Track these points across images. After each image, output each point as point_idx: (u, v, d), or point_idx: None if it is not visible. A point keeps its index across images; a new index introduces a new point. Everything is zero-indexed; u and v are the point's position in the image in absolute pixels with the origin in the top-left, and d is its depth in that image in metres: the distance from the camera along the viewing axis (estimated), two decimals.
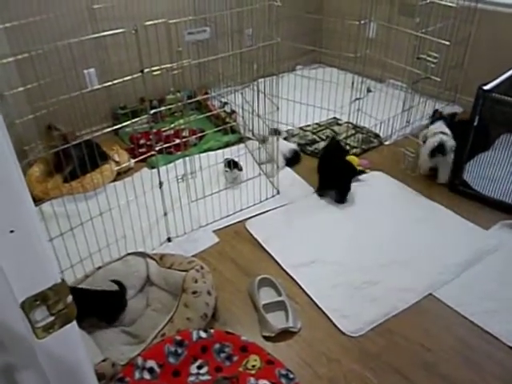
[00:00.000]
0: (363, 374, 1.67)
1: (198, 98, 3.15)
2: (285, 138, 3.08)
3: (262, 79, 2.52)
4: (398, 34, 3.18)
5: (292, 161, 2.94)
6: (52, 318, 0.52)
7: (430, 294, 1.99)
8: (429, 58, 2.65)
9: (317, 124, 3.37)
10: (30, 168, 2.72)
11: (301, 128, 3.31)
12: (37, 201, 2.44)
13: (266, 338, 1.82)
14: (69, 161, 2.29)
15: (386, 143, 3.17)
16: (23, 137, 2.67)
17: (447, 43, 2.63)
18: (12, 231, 0.46)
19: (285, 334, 1.83)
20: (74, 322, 0.57)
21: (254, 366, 1.64)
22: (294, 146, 3.01)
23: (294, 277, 2.10)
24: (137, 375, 1.57)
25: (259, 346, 1.72)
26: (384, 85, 3.79)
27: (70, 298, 0.54)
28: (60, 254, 1.93)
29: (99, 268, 2.03)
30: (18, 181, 0.47)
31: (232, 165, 2.67)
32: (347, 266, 2.15)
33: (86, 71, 3.06)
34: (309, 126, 3.34)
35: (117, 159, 2.88)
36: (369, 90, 3.69)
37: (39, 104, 1.95)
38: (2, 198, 0.46)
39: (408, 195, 2.63)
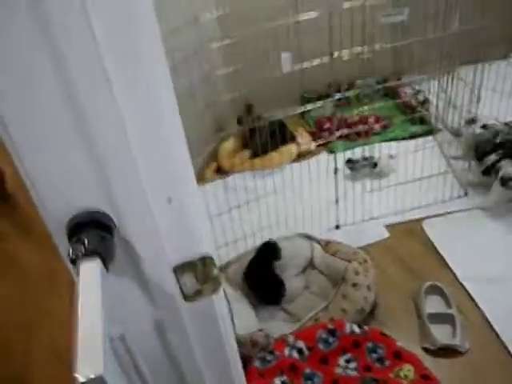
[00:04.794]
0: None
1: (390, 83, 3.00)
2: (483, 126, 2.67)
3: (464, 66, 2.26)
4: None
5: None
6: (198, 287, 0.56)
7: None
8: None
9: None
10: (224, 142, 3.00)
11: (506, 123, 2.87)
12: (224, 173, 2.70)
13: (426, 351, 1.67)
14: (257, 138, 2.44)
15: None
16: (222, 115, 2.96)
17: None
18: (170, 201, 0.51)
19: (447, 352, 1.65)
20: (220, 294, 0.61)
21: (406, 376, 1.53)
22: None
23: (470, 290, 1.86)
24: (286, 352, 1.62)
25: (416, 357, 1.59)
26: None
27: (215, 272, 0.57)
28: (235, 224, 2.11)
29: None
30: (181, 156, 0.51)
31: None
32: None
33: (282, 55, 3.19)
34: None
35: (300, 141, 2.97)
36: None
37: (238, 85, 2.14)
38: (166, 170, 0.50)
39: None
